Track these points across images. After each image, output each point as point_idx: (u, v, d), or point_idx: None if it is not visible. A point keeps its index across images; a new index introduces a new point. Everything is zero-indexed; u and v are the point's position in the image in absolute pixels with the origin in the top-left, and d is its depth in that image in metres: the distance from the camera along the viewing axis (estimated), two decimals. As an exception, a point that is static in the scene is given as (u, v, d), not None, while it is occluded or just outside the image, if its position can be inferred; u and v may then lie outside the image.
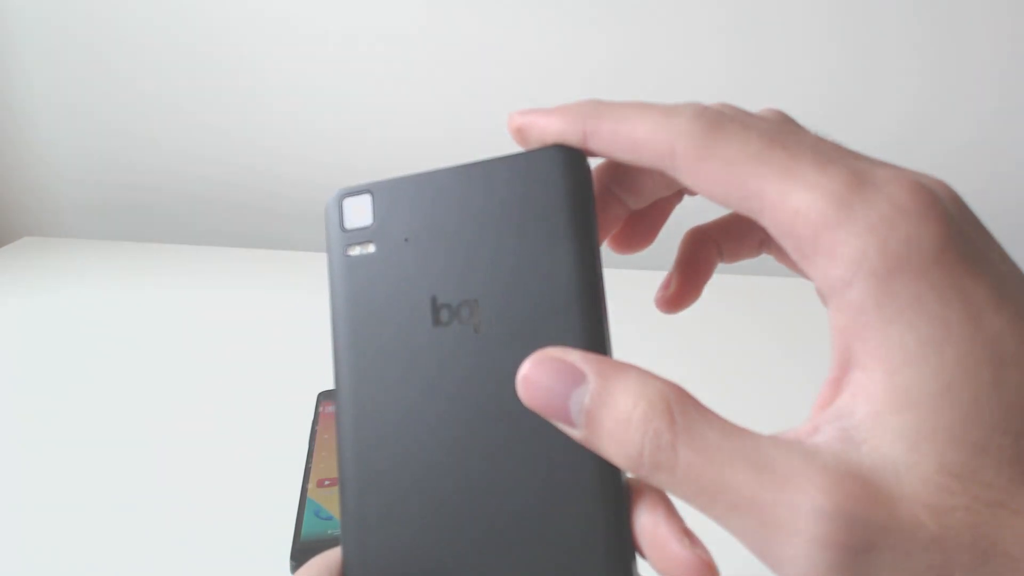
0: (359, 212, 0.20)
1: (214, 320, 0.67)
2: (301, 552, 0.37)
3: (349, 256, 0.20)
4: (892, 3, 0.74)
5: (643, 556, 0.17)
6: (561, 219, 0.18)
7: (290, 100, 0.87)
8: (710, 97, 0.81)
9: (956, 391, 0.13)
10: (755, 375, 0.58)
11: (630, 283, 0.77)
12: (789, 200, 0.15)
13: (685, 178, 0.16)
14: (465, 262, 0.19)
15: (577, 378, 0.16)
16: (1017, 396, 0.13)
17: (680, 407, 0.15)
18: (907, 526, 0.13)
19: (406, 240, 0.19)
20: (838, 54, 0.78)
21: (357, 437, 0.19)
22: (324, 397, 0.49)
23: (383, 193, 0.20)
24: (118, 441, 0.50)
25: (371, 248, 0.19)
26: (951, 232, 0.14)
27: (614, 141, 0.17)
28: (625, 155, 0.17)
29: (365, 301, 0.19)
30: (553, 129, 0.18)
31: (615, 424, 0.15)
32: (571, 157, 0.18)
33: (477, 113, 0.85)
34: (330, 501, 0.40)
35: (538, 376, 0.16)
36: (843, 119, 0.81)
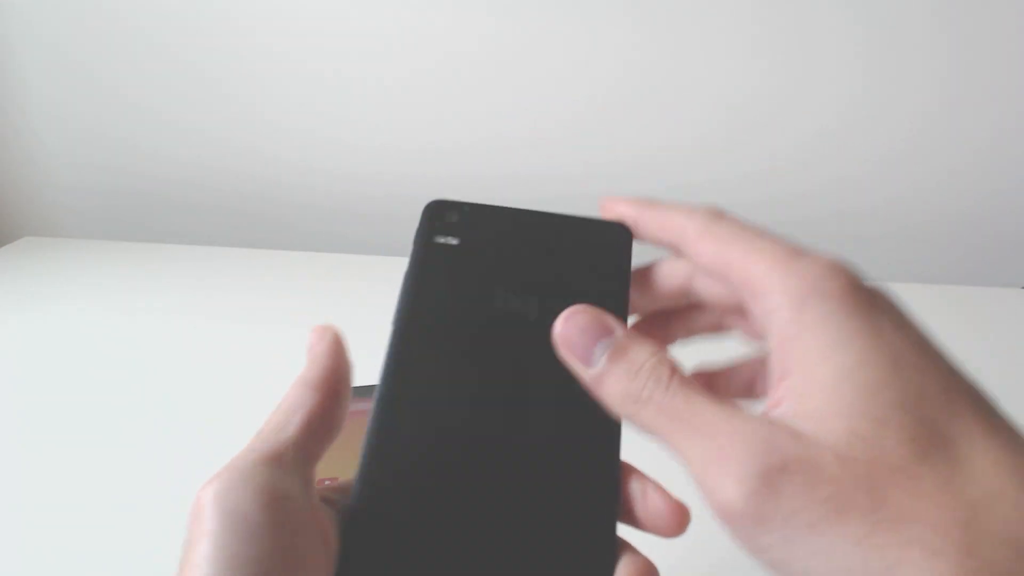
0: (452, 216, 0.24)
1: (214, 320, 0.67)
2: None
3: (435, 242, 0.23)
4: (913, 10, 0.74)
5: (634, 523, 0.21)
6: (610, 266, 0.24)
7: (291, 102, 0.87)
8: (731, 98, 0.80)
9: (858, 376, 0.17)
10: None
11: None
12: (749, 262, 0.20)
13: (689, 251, 0.22)
14: (530, 272, 0.23)
15: (608, 330, 0.20)
16: (914, 388, 0.17)
17: (680, 369, 0.20)
18: (815, 462, 0.16)
19: (486, 244, 0.23)
20: (857, 56, 0.78)
21: (397, 381, 0.21)
22: (324, 397, 0.49)
23: (475, 210, 0.24)
24: (118, 441, 0.50)
25: (454, 241, 0.23)
26: (858, 284, 0.19)
27: (652, 224, 0.23)
28: (657, 234, 0.23)
29: (436, 275, 0.22)
30: (621, 211, 0.24)
31: (628, 368, 0.19)
32: (625, 231, 0.24)
33: (481, 117, 0.85)
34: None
35: (576, 321, 0.20)
36: (862, 121, 0.81)
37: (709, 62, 0.79)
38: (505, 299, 0.22)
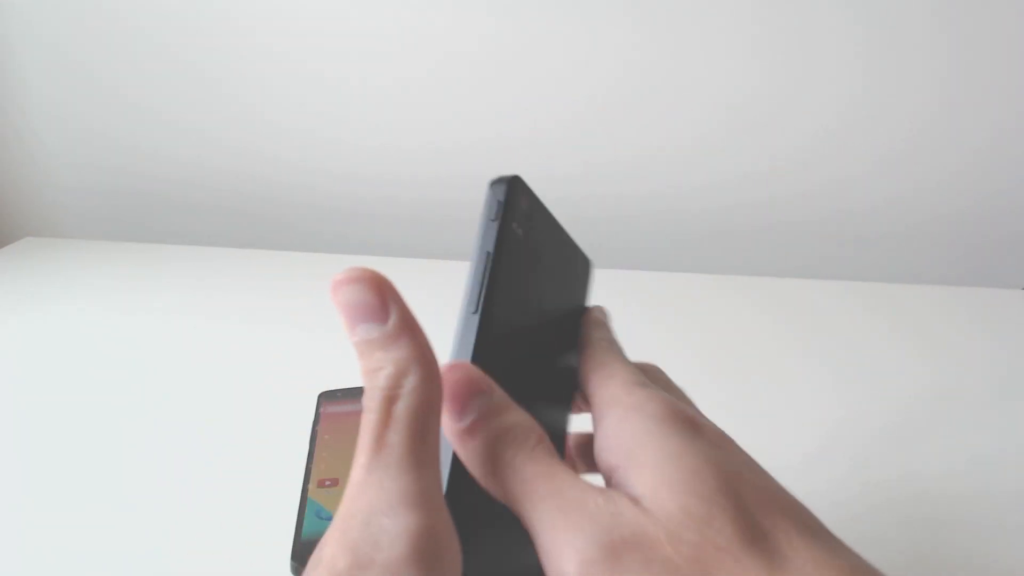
0: (524, 203, 0.23)
1: (214, 320, 0.67)
2: (301, 552, 0.37)
3: (511, 227, 0.22)
4: (913, 10, 0.74)
5: None
6: (582, 298, 0.28)
7: (291, 103, 0.87)
8: (730, 98, 0.80)
9: (680, 460, 0.18)
10: (757, 371, 0.58)
11: (639, 284, 0.77)
12: (604, 379, 0.23)
13: (582, 356, 0.25)
14: (552, 286, 0.25)
15: (486, 389, 0.20)
16: (729, 477, 0.18)
17: (547, 439, 0.20)
18: (649, 542, 0.17)
19: (537, 246, 0.24)
20: (856, 56, 0.78)
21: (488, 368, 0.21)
22: (324, 397, 0.49)
23: (536, 206, 0.24)
24: (118, 442, 0.50)
25: (520, 231, 0.23)
26: (682, 411, 0.21)
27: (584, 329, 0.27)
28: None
29: (510, 265, 0.22)
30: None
31: (499, 428, 0.19)
32: (590, 266, 0.29)
33: (481, 117, 0.85)
34: (330, 501, 0.40)
35: (457, 374, 0.20)
36: (862, 121, 0.81)
37: (709, 62, 0.79)
38: (542, 306, 0.24)
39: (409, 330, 0.19)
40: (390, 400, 0.18)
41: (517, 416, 0.20)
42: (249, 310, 0.69)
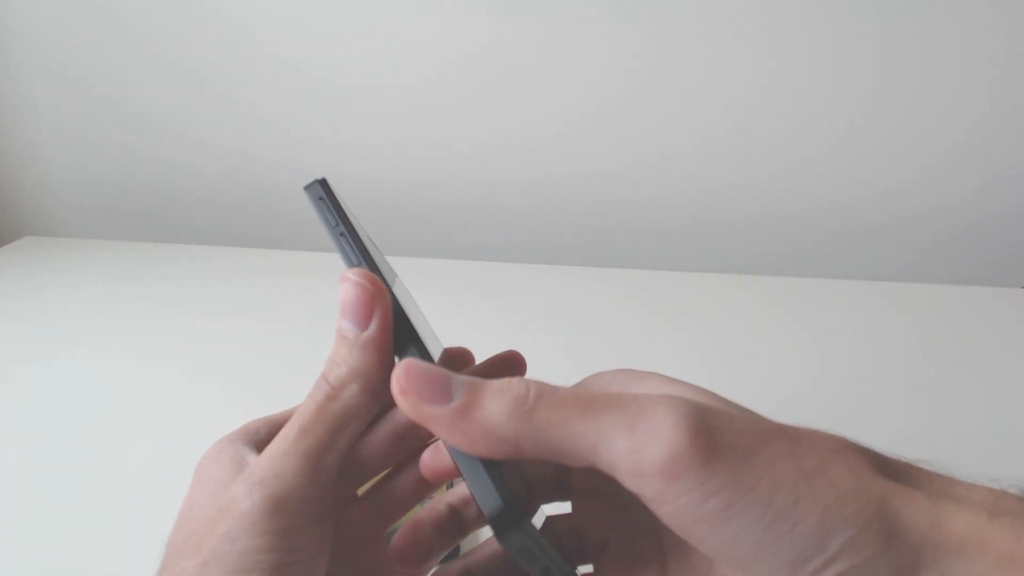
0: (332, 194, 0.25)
1: (214, 319, 0.67)
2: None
3: (343, 210, 0.24)
4: (916, 10, 0.74)
5: None
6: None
7: (291, 101, 0.87)
8: (737, 101, 0.79)
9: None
10: (756, 369, 0.58)
11: (634, 283, 0.77)
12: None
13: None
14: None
15: (449, 374, 0.18)
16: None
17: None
18: (727, 411, 0.18)
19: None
20: (866, 56, 0.78)
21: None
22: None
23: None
24: (117, 440, 0.50)
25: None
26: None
27: None
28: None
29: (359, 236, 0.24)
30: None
31: (499, 385, 0.18)
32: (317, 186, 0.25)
33: (478, 115, 0.85)
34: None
35: (417, 371, 0.18)
36: (865, 120, 0.81)
37: (716, 66, 0.79)
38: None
39: (376, 345, 0.20)
40: (330, 398, 0.20)
41: (501, 378, 0.18)
42: (250, 310, 0.69)
